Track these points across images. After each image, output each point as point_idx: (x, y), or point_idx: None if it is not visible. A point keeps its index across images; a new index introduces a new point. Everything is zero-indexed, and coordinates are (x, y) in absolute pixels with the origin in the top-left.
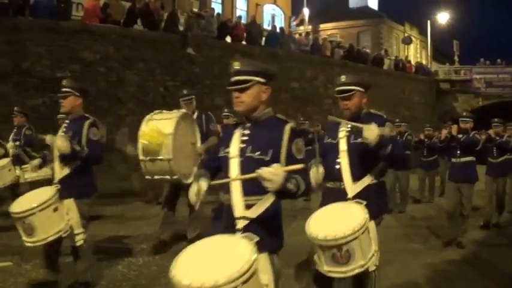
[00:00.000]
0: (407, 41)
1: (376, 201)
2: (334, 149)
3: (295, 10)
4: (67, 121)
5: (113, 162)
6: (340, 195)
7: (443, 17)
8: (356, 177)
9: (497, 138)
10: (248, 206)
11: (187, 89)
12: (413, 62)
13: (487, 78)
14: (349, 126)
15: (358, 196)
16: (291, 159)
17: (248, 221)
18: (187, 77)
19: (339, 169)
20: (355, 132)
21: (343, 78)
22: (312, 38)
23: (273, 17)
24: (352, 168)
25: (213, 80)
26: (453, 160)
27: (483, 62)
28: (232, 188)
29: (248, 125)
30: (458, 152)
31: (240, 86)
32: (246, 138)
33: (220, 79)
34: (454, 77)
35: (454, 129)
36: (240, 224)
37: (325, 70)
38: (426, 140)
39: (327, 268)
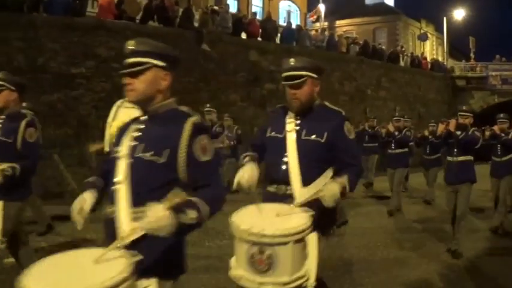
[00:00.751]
0: (423, 38)
1: (325, 211)
2: (280, 145)
3: (311, 6)
4: (2, 117)
5: None
6: (285, 202)
7: (459, 14)
8: (306, 180)
9: (503, 135)
10: (137, 219)
11: (202, 85)
12: (429, 59)
13: (503, 75)
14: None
15: (307, 203)
16: (193, 163)
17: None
18: (202, 73)
19: (286, 170)
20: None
21: (291, 61)
22: (328, 34)
23: (289, 13)
24: (302, 169)
25: (228, 77)
26: (449, 159)
27: (499, 59)
28: (118, 196)
29: (144, 118)
30: (456, 150)
31: (131, 70)
32: (138, 134)
33: (235, 75)
34: (470, 74)
35: (452, 124)
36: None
37: (340, 66)
38: (430, 136)
39: (240, 272)
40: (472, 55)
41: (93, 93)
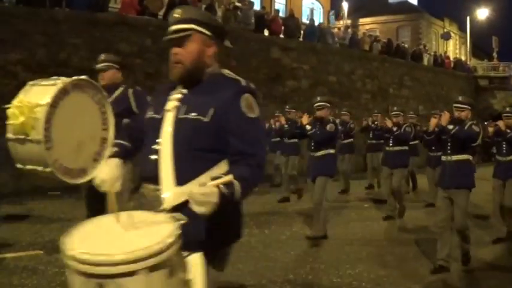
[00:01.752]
0: (446, 37)
1: (216, 221)
2: (155, 129)
3: (334, 4)
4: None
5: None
6: (155, 207)
7: (482, 13)
8: (183, 176)
9: (508, 131)
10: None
11: None
12: (452, 58)
13: None
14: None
15: (181, 208)
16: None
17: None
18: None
19: (155, 163)
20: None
21: (177, 12)
22: (351, 32)
23: (312, 10)
24: (176, 161)
25: (249, 73)
26: (443, 158)
27: None
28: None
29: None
30: (449, 148)
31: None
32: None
33: (257, 72)
34: (493, 74)
35: (445, 117)
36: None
37: (363, 64)
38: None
39: None
40: (495, 55)
41: None
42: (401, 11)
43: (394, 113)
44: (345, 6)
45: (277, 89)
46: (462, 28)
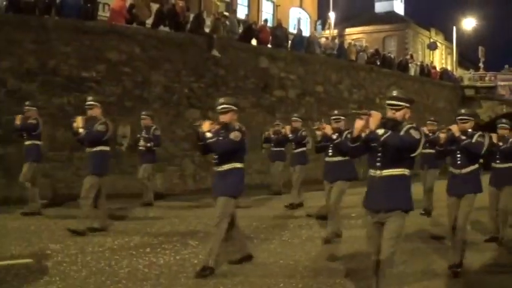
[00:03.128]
0: (432, 47)
1: None
2: None
3: (321, 14)
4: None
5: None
6: None
7: (469, 23)
8: None
9: (500, 144)
10: None
11: (212, 91)
12: (438, 68)
13: (511, 85)
14: None
15: None
16: None
17: None
18: (213, 79)
19: None
20: None
21: None
22: (338, 42)
23: (299, 20)
24: None
25: (237, 83)
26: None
27: (508, 69)
28: None
29: None
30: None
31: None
32: None
33: (245, 82)
34: (479, 84)
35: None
36: None
37: (350, 74)
38: (431, 134)
39: None
40: (481, 65)
41: (103, 97)
42: (388, 21)
43: (334, 117)
44: (332, 16)
45: (265, 98)
46: (448, 38)
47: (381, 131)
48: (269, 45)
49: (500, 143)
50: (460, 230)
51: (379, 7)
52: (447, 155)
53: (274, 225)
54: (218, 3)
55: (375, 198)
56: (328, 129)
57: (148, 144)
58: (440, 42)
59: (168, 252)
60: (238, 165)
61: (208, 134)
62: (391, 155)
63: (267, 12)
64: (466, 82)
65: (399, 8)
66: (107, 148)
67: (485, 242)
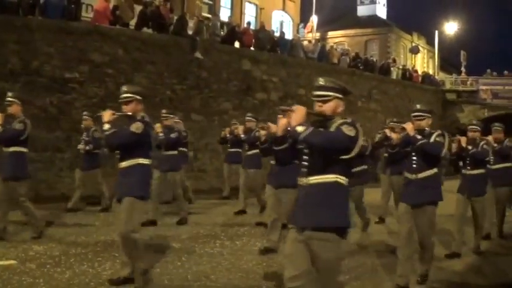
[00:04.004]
0: (414, 51)
1: None
2: None
3: (304, 17)
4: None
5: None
6: None
7: (451, 27)
8: None
9: (470, 147)
10: None
11: (195, 93)
12: (420, 72)
13: (493, 89)
14: None
15: None
16: None
17: None
18: (195, 81)
19: None
20: None
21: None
22: (320, 45)
23: (282, 23)
24: None
25: (220, 85)
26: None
27: (490, 73)
28: None
29: None
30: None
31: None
32: None
33: (228, 84)
34: (461, 88)
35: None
36: None
37: (332, 77)
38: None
39: None
40: (463, 69)
41: (86, 98)
42: (370, 24)
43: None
44: (315, 19)
45: (248, 100)
46: (431, 42)
47: (300, 128)
48: (252, 48)
49: (470, 147)
50: (426, 250)
51: (362, 11)
52: (401, 157)
53: (210, 235)
54: (201, 5)
55: (298, 212)
56: (273, 127)
57: (87, 147)
58: (422, 46)
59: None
60: (142, 161)
61: (106, 126)
62: (317, 157)
63: (249, 15)
64: (447, 86)
65: (382, 12)
66: (24, 149)
67: (446, 258)
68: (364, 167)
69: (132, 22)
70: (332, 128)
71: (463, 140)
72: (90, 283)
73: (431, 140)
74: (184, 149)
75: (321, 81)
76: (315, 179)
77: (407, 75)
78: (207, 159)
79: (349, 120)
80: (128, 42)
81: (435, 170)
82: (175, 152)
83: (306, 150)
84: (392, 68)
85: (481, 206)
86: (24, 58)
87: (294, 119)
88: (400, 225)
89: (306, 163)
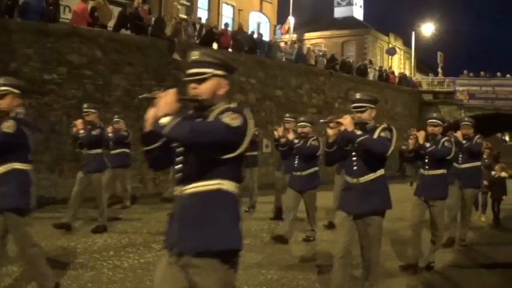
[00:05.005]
0: (391, 52)
1: None
2: None
3: (281, 18)
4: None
5: None
6: None
7: (427, 29)
8: None
9: (428, 145)
10: None
11: None
12: (396, 73)
13: (470, 90)
14: None
15: None
16: None
17: None
18: (174, 82)
19: None
20: None
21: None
22: (297, 47)
23: (259, 24)
24: None
25: None
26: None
27: (467, 74)
28: None
29: None
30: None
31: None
32: None
33: None
34: (438, 89)
35: (421, 135)
36: None
37: (309, 79)
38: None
39: None
40: (439, 70)
41: (64, 100)
42: (347, 26)
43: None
44: (291, 20)
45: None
46: (407, 43)
47: (165, 120)
48: (229, 50)
49: (428, 144)
50: (370, 271)
51: (339, 12)
52: (336, 158)
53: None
54: (179, 6)
55: (171, 233)
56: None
57: None
58: (399, 48)
59: (132, 256)
60: (19, 166)
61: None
62: (192, 158)
63: (227, 16)
64: (424, 87)
65: (358, 14)
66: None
67: (400, 270)
68: (316, 168)
69: (111, 23)
70: (211, 118)
71: (421, 135)
72: (72, 285)
73: (375, 135)
74: (126, 150)
75: (195, 55)
76: (191, 188)
77: (384, 76)
78: None
79: (233, 105)
80: (106, 43)
81: (380, 171)
82: (99, 151)
83: (179, 150)
84: (369, 69)
85: (438, 211)
86: (3, 59)
87: (160, 108)
88: (336, 237)
89: (180, 166)
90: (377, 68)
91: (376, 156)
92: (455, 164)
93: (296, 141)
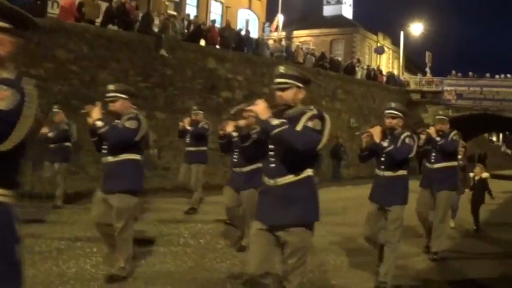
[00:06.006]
0: (379, 51)
1: None
2: None
3: (270, 16)
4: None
5: (82, 162)
6: None
7: (416, 28)
8: None
9: (385, 144)
10: None
11: (159, 91)
12: (385, 72)
13: (458, 90)
14: None
15: None
16: None
17: None
18: (160, 78)
19: None
20: None
21: None
22: (285, 45)
23: (247, 21)
24: None
25: (185, 83)
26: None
27: (455, 74)
28: None
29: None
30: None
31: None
32: None
33: (192, 82)
34: (425, 88)
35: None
36: None
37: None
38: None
39: None
40: (428, 70)
41: (50, 96)
42: (336, 24)
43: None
44: (280, 18)
45: (212, 99)
46: (396, 43)
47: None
48: (217, 46)
49: (385, 143)
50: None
51: (328, 10)
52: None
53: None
54: (167, 3)
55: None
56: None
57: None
58: (387, 47)
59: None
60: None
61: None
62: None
63: (215, 13)
64: (412, 86)
65: (347, 12)
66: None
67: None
68: (259, 165)
69: (99, 19)
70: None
71: (376, 132)
72: (55, 281)
73: (298, 128)
74: (68, 144)
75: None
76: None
77: (372, 75)
78: (171, 157)
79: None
80: (93, 39)
81: (305, 174)
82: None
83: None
84: (357, 68)
85: (395, 219)
86: None
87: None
88: (251, 249)
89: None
90: (365, 67)
91: (297, 153)
92: (427, 164)
93: (234, 134)
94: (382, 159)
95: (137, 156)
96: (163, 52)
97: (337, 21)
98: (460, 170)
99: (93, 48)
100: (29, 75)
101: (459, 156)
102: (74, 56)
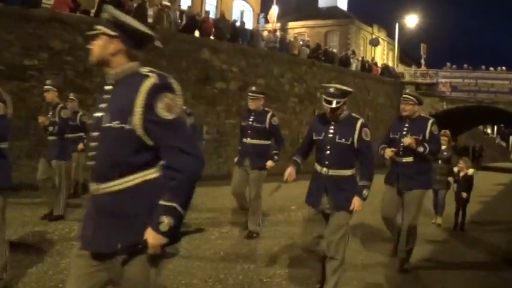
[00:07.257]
0: (374, 43)
1: None
2: None
3: (265, 7)
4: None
5: None
6: None
7: (411, 20)
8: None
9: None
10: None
11: None
12: (379, 64)
13: (452, 82)
14: None
15: None
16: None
17: None
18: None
19: None
20: None
21: None
22: (280, 36)
23: (242, 13)
24: None
25: (179, 74)
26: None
27: (449, 67)
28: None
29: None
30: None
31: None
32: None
33: (187, 73)
34: (420, 80)
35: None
36: None
37: (292, 68)
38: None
39: None
40: (422, 62)
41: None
42: (331, 16)
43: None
44: (275, 9)
45: (206, 90)
46: (391, 34)
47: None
48: (212, 37)
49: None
50: None
51: (323, 2)
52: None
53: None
54: None
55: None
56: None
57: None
58: (382, 39)
59: None
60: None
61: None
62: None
63: (210, 4)
64: (407, 78)
65: (342, 4)
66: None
67: None
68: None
69: (93, 10)
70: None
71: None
72: (48, 272)
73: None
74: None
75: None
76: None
77: (367, 67)
78: None
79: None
80: (88, 29)
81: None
82: None
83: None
84: (351, 60)
85: (339, 227)
86: None
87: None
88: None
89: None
90: (360, 59)
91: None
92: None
93: None
94: (328, 152)
95: None
96: (157, 43)
97: (332, 12)
98: (444, 162)
99: (88, 39)
100: (23, 65)
101: (443, 147)
102: (68, 47)
